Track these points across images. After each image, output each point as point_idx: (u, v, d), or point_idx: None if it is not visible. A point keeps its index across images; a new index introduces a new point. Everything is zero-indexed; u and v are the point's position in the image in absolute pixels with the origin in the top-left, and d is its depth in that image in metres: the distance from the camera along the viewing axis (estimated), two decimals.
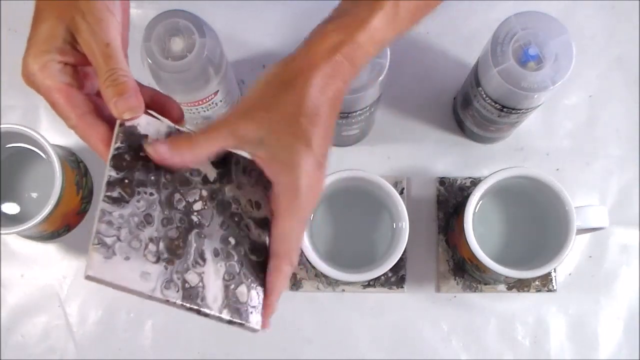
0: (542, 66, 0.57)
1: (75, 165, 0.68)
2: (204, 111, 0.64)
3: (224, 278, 0.44)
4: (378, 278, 0.67)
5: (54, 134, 0.71)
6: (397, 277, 0.68)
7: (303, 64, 0.43)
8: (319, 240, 0.65)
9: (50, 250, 0.70)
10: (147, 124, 0.44)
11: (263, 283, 0.45)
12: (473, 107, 0.65)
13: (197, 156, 0.43)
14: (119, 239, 0.41)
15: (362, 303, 0.69)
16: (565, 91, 0.72)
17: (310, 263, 0.60)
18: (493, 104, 0.61)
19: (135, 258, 0.41)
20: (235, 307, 0.43)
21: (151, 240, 0.42)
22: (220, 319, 0.43)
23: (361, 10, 0.44)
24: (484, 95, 0.61)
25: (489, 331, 0.69)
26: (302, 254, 0.66)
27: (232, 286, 0.44)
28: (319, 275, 0.68)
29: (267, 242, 0.46)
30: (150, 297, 0.41)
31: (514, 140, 0.72)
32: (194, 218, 0.44)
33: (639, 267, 0.70)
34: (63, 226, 0.69)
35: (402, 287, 0.68)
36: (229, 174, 0.47)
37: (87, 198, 0.70)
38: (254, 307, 0.44)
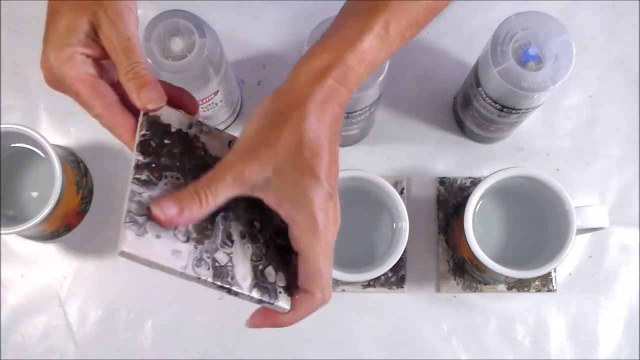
0: (542, 66, 0.57)
1: (75, 165, 0.68)
2: (204, 111, 0.64)
3: (251, 259, 0.44)
4: (378, 278, 0.67)
5: (54, 134, 0.72)
6: (397, 277, 0.68)
7: (296, 93, 0.42)
8: None
9: (50, 250, 0.70)
10: (169, 115, 0.45)
11: (289, 265, 0.46)
12: (473, 107, 0.65)
13: (206, 213, 0.42)
14: (149, 219, 0.41)
15: (362, 303, 0.69)
16: (565, 91, 0.72)
17: None
18: (493, 104, 0.61)
19: (166, 237, 0.41)
20: (264, 287, 0.44)
21: None
22: (250, 298, 0.43)
23: (350, 33, 0.44)
24: (484, 95, 0.61)
25: (489, 331, 0.69)
26: None
27: (260, 267, 0.45)
28: None
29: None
30: (182, 275, 0.41)
31: (514, 140, 0.72)
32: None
33: (639, 267, 0.70)
34: (63, 226, 0.69)
35: (402, 287, 0.68)
36: None
37: (87, 198, 0.70)
38: (282, 287, 0.45)
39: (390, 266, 0.60)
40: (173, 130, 0.45)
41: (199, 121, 0.47)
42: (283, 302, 0.44)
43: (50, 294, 0.69)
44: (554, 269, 0.68)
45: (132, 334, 0.69)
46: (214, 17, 0.69)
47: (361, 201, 0.65)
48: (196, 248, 0.42)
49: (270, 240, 0.46)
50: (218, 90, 0.62)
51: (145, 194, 0.42)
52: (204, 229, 0.43)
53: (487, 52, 0.57)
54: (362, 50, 0.43)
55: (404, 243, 0.60)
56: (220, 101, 0.64)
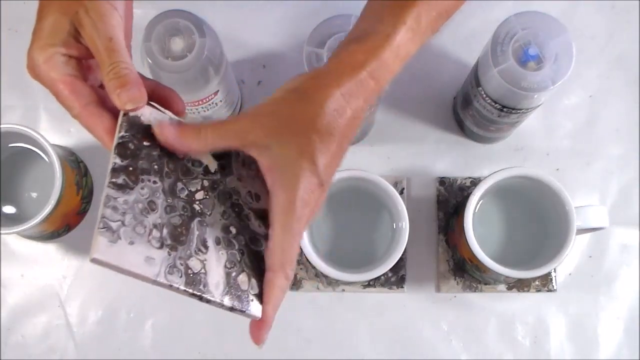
0: (542, 66, 0.57)
1: (75, 165, 0.68)
2: (204, 111, 0.64)
3: (225, 266, 0.44)
4: (378, 278, 0.67)
5: (54, 134, 0.72)
6: (397, 277, 0.68)
7: (326, 79, 0.43)
8: (319, 240, 0.65)
9: (50, 250, 0.70)
10: (150, 115, 0.45)
11: (263, 273, 0.45)
12: (473, 107, 0.65)
13: (201, 148, 0.44)
14: (123, 224, 0.41)
15: (362, 303, 0.69)
16: (565, 91, 0.72)
17: (310, 263, 0.60)
18: (493, 104, 0.61)
19: (140, 243, 0.41)
20: (237, 295, 0.44)
21: (155, 226, 0.42)
22: (222, 306, 0.43)
23: (385, 27, 0.44)
24: (484, 95, 0.61)
25: (489, 331, 0.69)
26: (302, 253, 0.66)
27: (234, 274, 0.44)
28: (319, 275, 0.68)
29: (267, 232, 0.46)
30: (154, 282, 0.41)
31: (514, 140, 0.72)
32: (197, 207, 0.45)
33: (639, 267, 0.70)
34: (63, 226, 0.69)
35: (402, 287, 0.68)
36: (229, 165, 0.47)
37: (87, 198, 0.70)
38: (255, 294, 0.44)
39: (390, 266, 0.60)
40: (153, 131, 0.44)
41: (180, 121, 0.46)
42: (255, 310, 0.44)
43: (50, 294, 0.69)
44: (554, 269, 0.68)
45: (132, 334, 0.69)
46: (214, 17, 0.69)
47: (361, 201, 0.65)
48: (170, 255, 0.42)
49: (246, 247, 0.46)
50: (218, 90, 0.62)
51: (121, 198, 0.42)
52: (179, 235, 0.43)
53: (487, 52, 0.57)
54: (397, 45, 0.44)
55: (404, 243, 0.60)
56: (220, 101, 0.64)
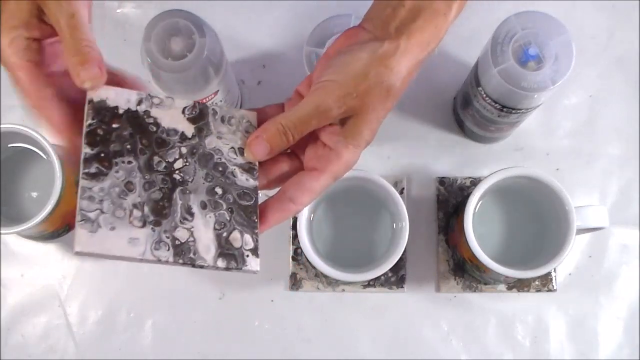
0: (542, 66, 0.57)
1: (76, 166, 0.68)
2: None
3: (214, 228, 0.44)
4: (378, 278, 0.67)
5: None
6: (397, 277, 0.68)
7: (400, 58, 0.46)
8: (319, 240, 0.65)
9: (50, 250, 0.70)
10: (116, 95, 0.45)
11: (256, 225, 0.46)
12: (473, 107, 0.65)
13: (287, 146, 0.45)
14: (102, 212, 0.42)
15: (362, 303, 0.69)
16: (565, 91, 0.72)
17: (310, 263, 0.60)
18: (493, 104, 0.61)
19: (121, 226, 0.42)
20: (231, 254, 0.44)
21: (135, 206, 0.43)
22: (217, 268, 0.43)
23: (442, 5, 0.48)
24: (484, 95, 0.61)
25: (489, 331, 0.69)
26: (302, 253, 0.66)
27: (225, 234, 0.44)
28: (319, 275, 0.68)
29: (256, 184, 0.47)
30: (141, 260, 0.42)
31: (514, 140, 0.72)
32: (177, 176, 0.45)
33: (639, 267, 0.70)
34: (63, 226, 0.69)
35: (402, 287, 0.68)
36: (207, 126, 0.47)
37: None
38: (250, 249, 0.45)
39: (390, 266, 0.60)
40: (121, 111, 0.45)
41: (149, 94, 0.46)
42: (251, 265, 0.44)
43: (50, 294, 0.69)
44: (554, 269, 0.68)
45: (132, 334, 0.69)
46: (214, 17, 0.69)
47: (361, 201, 0.65)
48: (154, 231, 0.42)
49: (234, 204, 0.46)
50: (218, 90, 0.62)
51: (96, 187, 0.42)
52: (161, 209, 0.43)
53: (487, 52, 0.57)
54: (450, 20, 0.48)
55: (404, 243, 0.60)
56: (220, 101, 0.64)
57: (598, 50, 0.74)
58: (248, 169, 0.47)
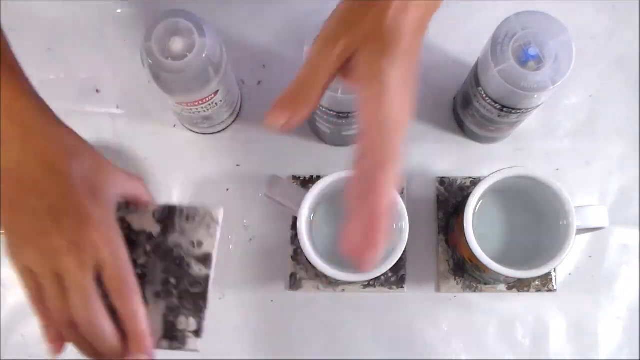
0: (542, 66, 0.57)
1: None
2: (204, 111, 0.64)
3: (164, 314, 0.52)
4: (378, 278, 0.67)
5: None
6: (397, 277, 0.68)
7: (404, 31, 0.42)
8: (319, 240, 0.65)
9: None
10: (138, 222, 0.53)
11: (202, 309, 0.52)
12: (473, 107, 0.65)
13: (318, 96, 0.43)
14: None
15: (362, 303, 0.69)
16: (565, 91, 0.72)
17: (310, 263, 0.60)
18: (493, 104, 0.61)
19: None
20: (174, 335, 0.52)
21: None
22: (161, 347, 0.51)
23: None
24: (484, 95, 0.61)
25: (489, 331, 0.69)
26: (302, 253, 0.66)
27: (171, 318, 0.52)
28: (319, 275, 0.68)
29: (208, 273, 0.53)
30: None
31: (514, 140, 0.72)
32: (138, 271, 0.52)
33: (639, 267, 0.70)
34: None
35: (402, 287, 0.68)
36: (172, 224, 0.54)
37: None
38: (192, 331, 0.52)
39: (390, 266, 0.60)
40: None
41: (126, 203, 0.52)
42: (191, 345, 0.53)
43: None
44: (554, 269, 0.68)
45: None
46: (214, 17, 0.69)
47: None
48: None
49: (185, 292, 0.53)
50: (218, 90, 0.62)
51: None
52: None
53: (487, 52, 0.57)
54: None
55: (404, 243, 0.60)
56: (220, 101, 0.64)
57: (598, 50, 0.74)
58: (203, 259, 0.53)
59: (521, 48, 0.57)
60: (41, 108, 0.45)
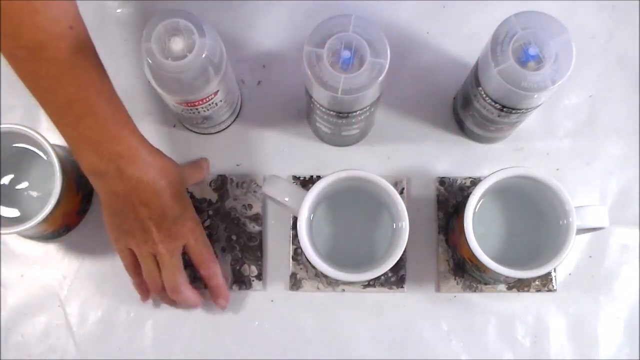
0: (542, 66, 0.57)
1: (75, 165, 0.68)
2: (204, 111, 0.64)
3: (230, 263, 0.69)
4: (378, 278, 0.67)
5: (53, 134, 0.71)
6: (397, 277, 0.68)
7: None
8: (319, 240, 0.65)
9: (50, 250, 0.70)
10: None
11: (259, 258, 0.69)
12: (473, 107, 0.65)
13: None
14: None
15: (362, 303, 0.69)
16: (565, 91, 0.72)
17: (310, 263, 0.60)
18: (493, 104, 0.61)
19: None
20: (242, 280, 0.68)
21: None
22: (232, 290, 0.68)
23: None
24: (484, 95, 0.61)
25: (489, 331, 0.69)
26: (302, 253, 0.66)
27: (237, 267, 0.68)
28: (319, 275, 0.68)
29: (260, 229, 0.69)
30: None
31: (514, 140, 0.72)
32: (207, 232, 0.66)
33: (639, 267, 0.70)
34: (63, 226, 0.69)
35: (402, 287, 0.68)
36: (226, 192, 0.69)
37: (87, 198, 0.70)
38: (255, 276, 0.68)
39: (390, 266, 0.60)
40: None
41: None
42: (256, 286, 0.68)
43: (50, 294, 0.69)
44: (554, 269, 0.68)
45: (132, 333, 0.69)
46: (214, 17, 0.69)
47: (361, 201, 0.65)
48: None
49: (245, 246, 0.69)
50: (218, 90, 0.62)
51: None
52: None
53: (487, 52, 0.57)
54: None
55: (404, 243, 0.60)
56: (221, 101, 0.64)
57: (598, 50, 0.74)
58: (254, 219, 0.69)
59: (521, 48, 0.57)
60: (142, 140, 0.59)
